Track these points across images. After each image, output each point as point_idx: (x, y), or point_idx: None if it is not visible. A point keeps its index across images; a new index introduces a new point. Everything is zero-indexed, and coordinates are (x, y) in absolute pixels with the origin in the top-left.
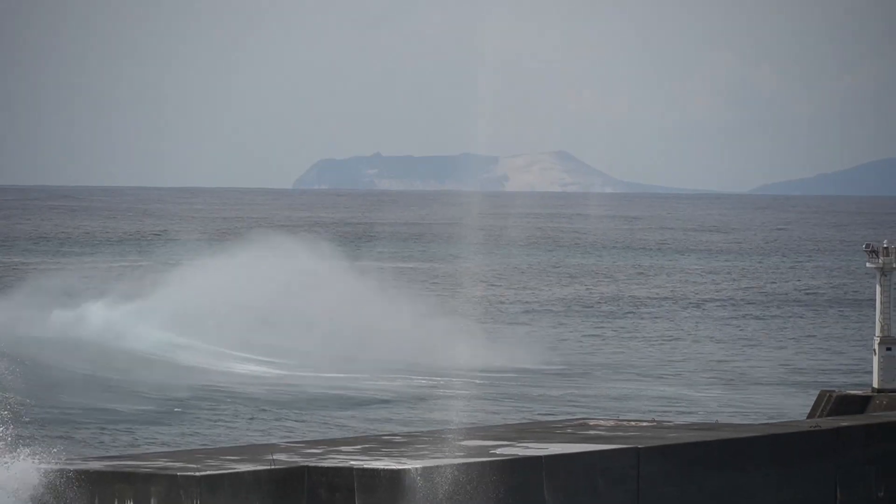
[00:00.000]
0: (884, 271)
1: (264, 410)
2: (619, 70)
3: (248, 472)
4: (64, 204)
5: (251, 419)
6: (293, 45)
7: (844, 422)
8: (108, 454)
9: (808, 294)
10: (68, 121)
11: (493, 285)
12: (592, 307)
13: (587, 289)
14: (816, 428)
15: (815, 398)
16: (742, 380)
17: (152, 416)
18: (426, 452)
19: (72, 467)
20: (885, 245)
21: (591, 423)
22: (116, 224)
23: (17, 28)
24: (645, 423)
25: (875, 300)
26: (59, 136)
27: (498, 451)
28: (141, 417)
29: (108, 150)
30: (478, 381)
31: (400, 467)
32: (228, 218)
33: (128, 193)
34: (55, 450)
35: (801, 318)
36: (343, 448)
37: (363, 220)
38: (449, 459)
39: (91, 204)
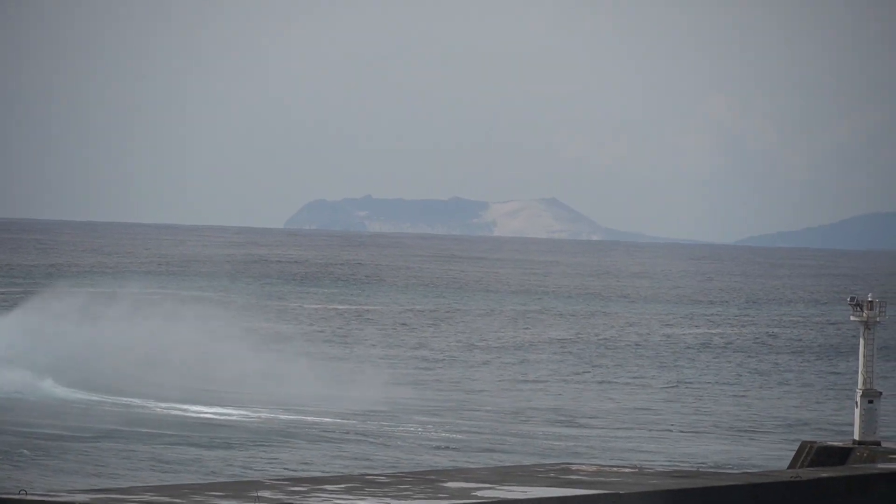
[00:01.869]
0: (868, 325)
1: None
2: (612, 119)
3: None
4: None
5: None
6: (288, 86)
7: (825, 473)
8: (94, 487)
9: (791, 343)
10: (61, 155)
11: (438, 326)
12: (568, 351)
13: (555, 332)
14: (797, 478)
15: (795, 449)
16: (724, 429)
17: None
18: (409, 493)
19: (57, 500)
20: (869, 299)
21: (574, 468)
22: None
23: None
24: (626, 470)
25: (859, 353)
26: (64, 170)
27: (480, 493)
28: None
29: (100, 186)
30: (457, 420)
31: None
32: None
33: (105, 229)
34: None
35: (783, 367)
36: (327, 487)
37: (322, 261)
38: (432, 501)
39: (40, 237)
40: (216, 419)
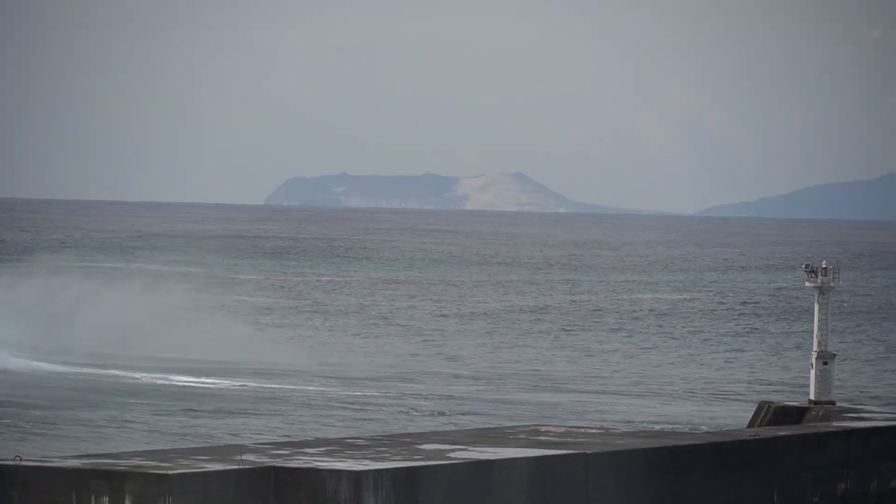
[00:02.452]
0: (822, 290)
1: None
2: (575, 99)
3: (218, 472)
4: None
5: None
6: (267, 68)
7: (782, 431)
8: (86, 452)
9: (749, 308)
10: (40, 132)
11: (413, 297)
12: (537, 319)
13: (526, 301)
14: (756, 437)
15: (754, 409)
16: (686, 390)
17: None
18: (387, 455)
19: (51, 465)
20: (823, 265)
21: (543, 429)
22: None
23: None
24: (594, 430)
25: (813, 317)
26: (35, 147)
27: (454, 454)
28: None
29: (82, 163)
30: (434, 386)
31: (362, 469)
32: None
33: (91, 207)
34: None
35: (741, 331)
36: (308, 450)
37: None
38: (408, 462)
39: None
40: (201, 388)
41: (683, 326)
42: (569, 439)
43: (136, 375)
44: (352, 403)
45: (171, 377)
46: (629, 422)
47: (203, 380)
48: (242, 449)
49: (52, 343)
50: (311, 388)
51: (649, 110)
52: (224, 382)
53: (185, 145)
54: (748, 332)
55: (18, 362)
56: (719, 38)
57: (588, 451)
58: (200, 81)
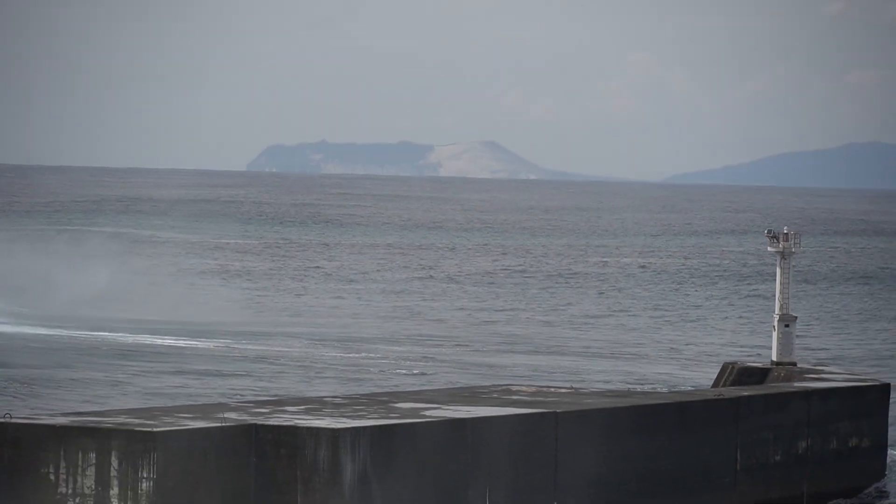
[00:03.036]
0: (784, 255)
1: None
2: (544, 69)
3: (201, 429)
4: None
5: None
6: (248, 37)
7: (745, 391)
8: (73, 410)
9: (714, 271)
10: (18, 98)
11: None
12: (505, 283)
13: (499, 264)
14: (720, 396)
15: (718, 369)
16: (653, 351)
17: None
18: (364, 413)
19: (40, 422)
20: (785, 231)
21: (514, 388)
22: None
23: None
24: (563, 390)
25: (776, 281)
26: (13, 113)
27: (429, 413)
28: None
29: (65, 129)
30: (409, 347)
31: (340, 426)
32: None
33: (63, 172)
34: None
35: (707, 293)
36: (288, 408)
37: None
38: (384, 420)
39: None
40: (185, 348)
41: (650, 289)
42: (539, 398)
43: (122, 336)
44: (330, 364)
45: (156, 338)
46: (597, 382)
47: (187, 340)
48: (224, 407)
49: (37, 307)
50: (292, 349)
51: (617, 79)
52: (208, 343)
53: (168, 113)
54: (712, 295)
55: (3, 327)
56: (686, 8)
57: (558, 410)
58: (184, 50)
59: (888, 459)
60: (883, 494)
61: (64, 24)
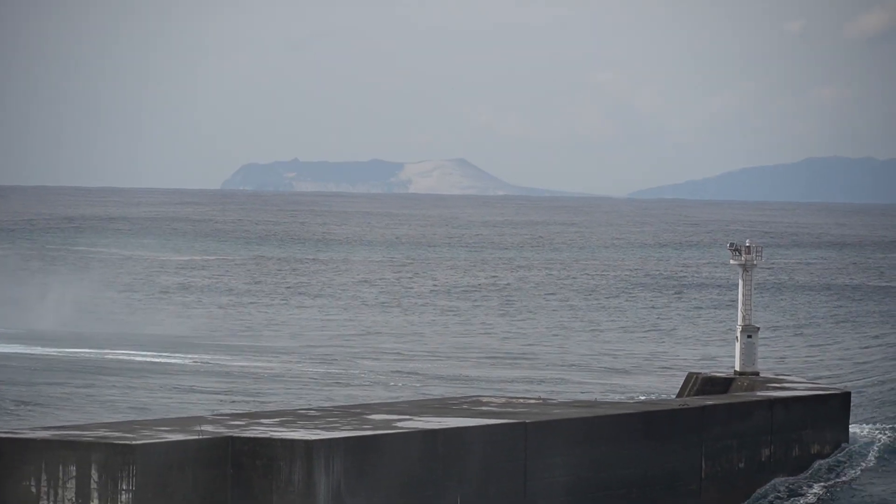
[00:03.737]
0: (745, 267)
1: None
2: (512, 88)
3: (179, 442)
4: None
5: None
6: (223, 58)
7: (709, 401)
8: (53, 425)
9: (676, 283)
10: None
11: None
12: (471, 297)
13: (466, 279)
14: (684, 406)
15: (683, 379)
16: (618, 362)
17: None
18: (337, 425)
19: (22, 436)
20: (746, 244)
21: (484, 399)
22: None
23: None
24: (532, 401)
25: (738, 293)
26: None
27: (400, 424)
28: None
29: (37, 149)
30: (380, 360)
31: (314, 438)
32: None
33: (35, 192)
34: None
35: (669, 305)
36: (264, 420)
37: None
38: (357, 431)
39: None
40: (162, 364)
41: (614, 301)
42: (508, 409)
43: (101, 353)
44: (304, 377)
45: (134, 354)
46: (565, 393)
47: (165, 356)
48: (201, 420)
49: (16, 326)
50: (267, 363)
51: (584, 97)
52: (185, 359)
53: (144, 132)
54: (676, 307)
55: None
56: (650, 28)
57: (527, 421)
58: (160, 72)
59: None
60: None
61: (39, 43)
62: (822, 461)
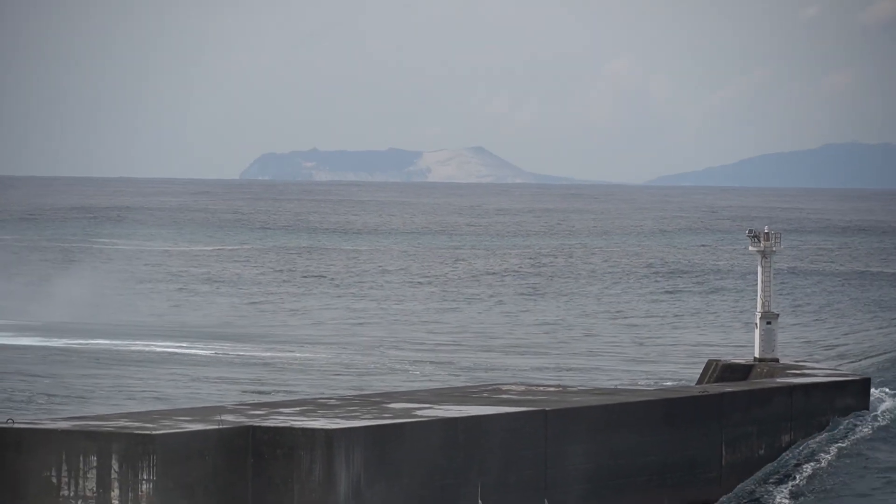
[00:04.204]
0: (764, 254)
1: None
2: (529, 76)
3: (199, 431)
4: None
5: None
6: (240, 47)
7: (729, 387)
8: (74, 415)
9: (696, 269)
10: (4, 107)
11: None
12: (494, 284)
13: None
14: (704, 393)
15: (702, 367)
16: (638, 350)
17: None
18: (357, 413)
19: (42, 427)
20: (766, 231)
21: (504, 388)
22: None
23: None
24: (552, 388)
25: (757, 280)
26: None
27: (421, 413)
28: None
29: (55, 139)
30: (401, 349)
31: (335, 427)
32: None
33: (52, 183)
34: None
35: (690, 291)
36: (284, 410)
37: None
38: (377, 420)
39: None
40: (181, 354)
41: (634, 288)
42: (529, 397)
43: (123, 343)
44: (324, 366)
45: (154, 344)
46: (585, 380)
47: (185, 346)
48: (222, 410)
49: (35, 318)
50: (289, 353)
51: (600, 85)
52: (205, 349)
53: (162, 123)
54: (696, 293)
55: (4, 338)
56: (665, 15)
57: (547, 408)
58: (177, 61)
59: None
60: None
61: (53, 33)
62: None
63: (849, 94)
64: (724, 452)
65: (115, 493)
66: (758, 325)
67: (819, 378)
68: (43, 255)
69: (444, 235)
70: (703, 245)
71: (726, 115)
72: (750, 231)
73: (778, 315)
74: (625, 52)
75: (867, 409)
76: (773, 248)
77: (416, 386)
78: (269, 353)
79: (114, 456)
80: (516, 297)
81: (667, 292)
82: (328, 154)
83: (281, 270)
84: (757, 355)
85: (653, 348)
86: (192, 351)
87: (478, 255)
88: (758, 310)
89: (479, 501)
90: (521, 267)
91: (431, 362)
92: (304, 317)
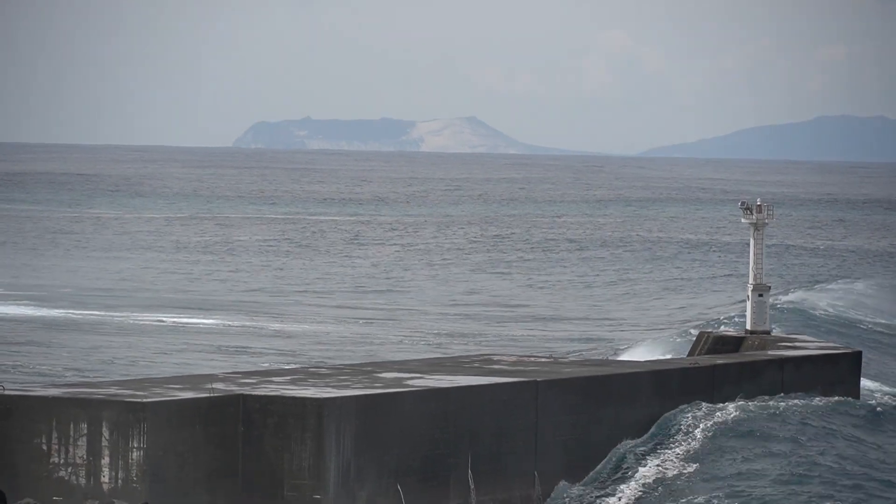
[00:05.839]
0: (757, 226)
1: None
2: (522, 46)
3: (190, 399)
4: None
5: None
6: (234, 17)
7: (720, 360)
8: (64, 382)
9: (688, 241)
10: (5, 77)
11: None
12: (484, 252)
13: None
14: (695, 365)
15: (694, 338)
16: (629, 321)
17: None
18: (348, 382)
19: (32, 394)
20: (758, 203)
21: (495, 358)
22: None
23: None
24: (543, 359)
25: (749, 251)
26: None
27: (412, 382)
28: None
29: (51, 108)
30: (391, 318)
31: (325, 396)
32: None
33: (65, 150)
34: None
35: (682, 262)
36: (275, 378)
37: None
38: (368, 390)
39: None
40: (173, 324)
41: (625, 258)
42: (520, 367)
43: (112, 314)
44: (313, 336)
45: (146, 314)
46: (577, 351)
47: (176, 316)
48: (213, 378)
49: (32, 289)
50: (276, 324)
51: (593, 56)
52: (197, 319)
53: (157, 92)
54: (687, 264)
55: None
56: None
57: (538, 379)
58: (172, 31)
59: None
60: None
61: (52, 4)
62: None
63: (843, 66)
64: None
65: (106, 460)
66: (749, 297)
67: (811, 351)
68: (83, 226)
69: (436, 206)
70: (694, 216)
71: (720, 86)
72: (742, 203)
73: (769, 287)
74: (619, 23)
75: (858, 382)
76: (766, 220)
77: (407, 356)
78: (267, 325)
79: (104, 423)
80: (511, 265)
81: (659, 262)
82: (321, 123)
83: (288, 239)
84: (749, 327)
85: (644, 319)
86: (194, 321)
87: (474, 224)
88: (750, 282)
89: (470, 472)
90: (515, 235)
91: (425, 332)
92: (303, 286)
